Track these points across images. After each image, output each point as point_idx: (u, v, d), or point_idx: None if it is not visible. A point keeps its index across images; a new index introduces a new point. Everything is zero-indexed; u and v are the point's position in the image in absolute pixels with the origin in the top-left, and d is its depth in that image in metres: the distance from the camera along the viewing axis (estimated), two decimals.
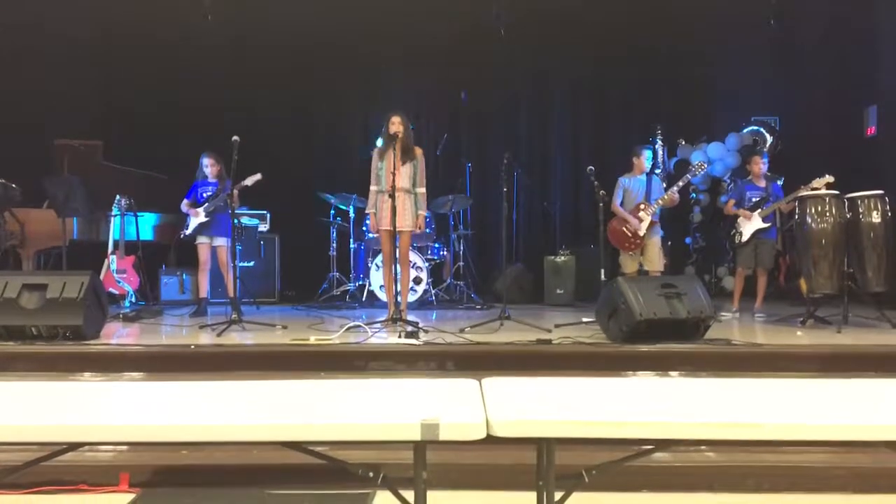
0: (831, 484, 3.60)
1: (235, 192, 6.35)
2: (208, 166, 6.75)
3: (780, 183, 7.10)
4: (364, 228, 7.69)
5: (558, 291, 7.93)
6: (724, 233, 6.90)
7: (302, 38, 8.84)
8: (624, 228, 6.52)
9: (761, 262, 6.60)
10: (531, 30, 8.92)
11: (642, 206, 6.49)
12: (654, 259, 6.53)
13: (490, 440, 2.19)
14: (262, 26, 8.59)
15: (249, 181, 6.45)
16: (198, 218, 6.69)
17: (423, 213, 6.06)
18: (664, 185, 6.95)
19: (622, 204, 6.64)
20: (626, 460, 2.54)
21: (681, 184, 6.63)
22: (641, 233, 6.46)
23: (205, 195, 6.73)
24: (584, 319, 5.89)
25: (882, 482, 3.60)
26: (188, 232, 6.77)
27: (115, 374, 4.47)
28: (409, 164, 5.92)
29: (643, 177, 6.64)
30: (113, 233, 7.26)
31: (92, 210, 6.86)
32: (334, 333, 5.26)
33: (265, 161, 7.18)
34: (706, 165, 7.23)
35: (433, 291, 7.73)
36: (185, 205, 6.79)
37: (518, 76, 9.25)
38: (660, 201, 6.48)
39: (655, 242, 6.56)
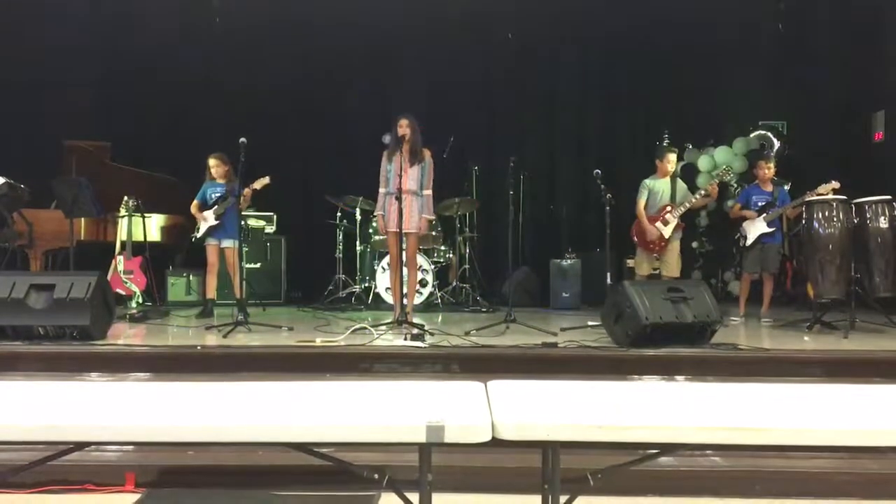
0: (839, 490, 3.59)
1: (245, 193, 6.38)
2: (214, 167, 6.77)
3: (787, 188, 7.08)
4: (371, 231, 7.71)
5: (564, 295, 7.91)
6: (731, 237, 6.86)
7: (310, 39, 8.89)
8: (651, 228, 6.45)
9: (766, 267, 6.57)
10: (539, 33, 8.93)
11: (669, 209, 6.43)
12: (673, 264, 6.45)
13: (495, 443, 2.19)
14: (270, 28, 8.62)
15: (258, 185, 6.48)
16: (207, 221, 6.71)
17: (426, 216, 6.05)
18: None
19: (647, 206, 6.51)
20: (631, 464, 2.54)
21: (715, 181, 6.57)
22: (667, 235, 6.41)
23: (213, 196, 6.75)
24: (590, 323, 5.88)
25: (890, 488, 3.59)
26: (199, 235, 6.80)
27: (121, 374, 4.48)
28: (417, 167, 5.93)
29: (667, 179, 6.55)
30: (120, 234, 7.29)
31: (100, 211, 6.88)
32: (340, 335, 5.27)
33: (272, 163, 7.21)
34: (732, 170, 7.15)
35: (439, 294, 7.73)
36: (194, 207, 6.81)
37: (525, 79, 9.24)
38: (687, 204, 6.41)
39: (675, 247, 6.48)
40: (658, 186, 6.54)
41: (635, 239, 6.57)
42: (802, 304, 7.12)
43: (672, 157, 6.59)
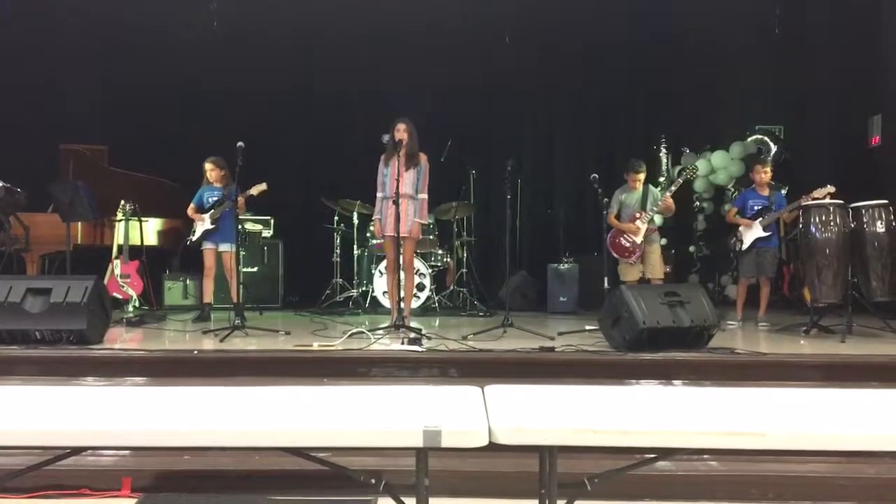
0: (835, 494, 3.59)
1: (241, 199, 6.37)
2: (210, 171, 6.76)
3: (784, 192, 7.11)
4: (368, 234, 7.70)
5: (561, 299, 7.92)
6: (727, 241, 6.89)
7: (307, 44, 8.90)
8: (622, 238, 6.49)
9: (763, 271, 6.58)
10: (536, 37, 8.94)
11: (638, 215, 6.47)
12: (656, 266, 6.52)
13: (492, 447, 2.18)
14: (267, 32, 8.63)
15: (254, 191, 6.48)
16: (203, 224, 6.70)
17: (419, 220, 6.02)
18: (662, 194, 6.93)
19: (619, 217, 6.58)
20: (628, 469, 2.53)
21: (673, 188, 6.65)
22: (639, 241, 6.45)
23: (210, 200, 6.74)
24: (588, 327, 5.88)
25: (886, 492, 3.59)
26: (194, 238, 6.79)
27: (118, 378, 4.47)
28: (413, 171, 5.94)
29: (638, 189, 6.59)
30: (117, 237, 7.28)
31: (97, 215, 6.88)
32: (337, 339, 5.26)
33: (270, 167, 7.21)
34: (698, 169, 7.24)
35: (436, 298, 7.72)
36: (190, 210, 6.81)
37: (522, 83, 9.25)
38: (655, 209, 6.47)
39: (655, 249, 6.55)
40: (629, 198, 6.60)
41: (612, 253, 6.59)
42: (800, 308, 7.13)
43: (639, 175, 6.59)
